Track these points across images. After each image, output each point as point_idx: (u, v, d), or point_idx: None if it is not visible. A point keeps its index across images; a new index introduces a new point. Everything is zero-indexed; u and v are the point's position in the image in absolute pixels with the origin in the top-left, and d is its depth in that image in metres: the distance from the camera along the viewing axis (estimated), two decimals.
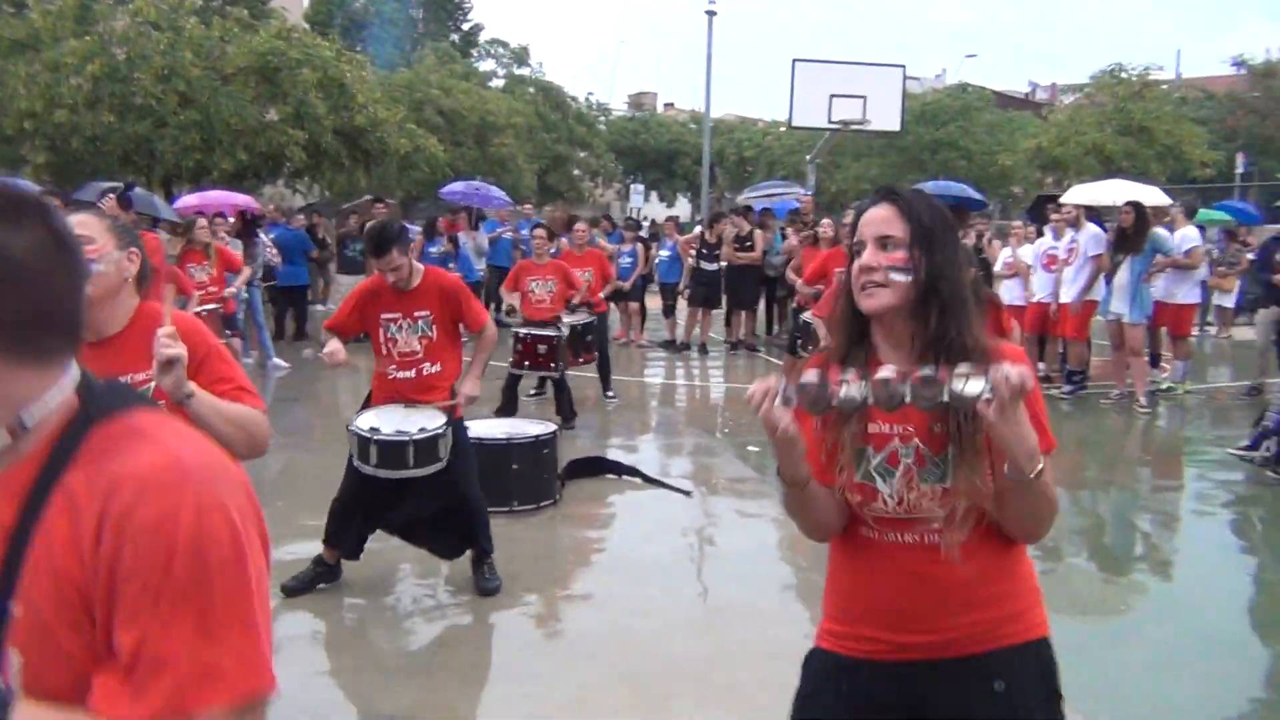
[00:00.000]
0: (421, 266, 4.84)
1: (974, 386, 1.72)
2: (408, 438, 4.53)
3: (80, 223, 2.52)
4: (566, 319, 8.73)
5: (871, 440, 1.94)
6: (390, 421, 4.62)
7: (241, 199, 13.48)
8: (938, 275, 1.92)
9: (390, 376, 4.76)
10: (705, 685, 4.02)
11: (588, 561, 5.69)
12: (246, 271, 10.44)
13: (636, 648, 4.34)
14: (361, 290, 4.86)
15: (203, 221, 9.41)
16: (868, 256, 1.94)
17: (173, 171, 16.70)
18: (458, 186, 17.88)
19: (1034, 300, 11.11)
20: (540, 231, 9.12)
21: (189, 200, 14.07)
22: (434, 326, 4.72)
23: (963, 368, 1.74)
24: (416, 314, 4.70)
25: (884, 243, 1.93)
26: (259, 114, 16.35)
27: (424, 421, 4.61)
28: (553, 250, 9.18)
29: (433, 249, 12.78)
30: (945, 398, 1.73)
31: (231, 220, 11.48)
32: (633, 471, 7.17)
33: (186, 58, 15.48)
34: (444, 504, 4.78)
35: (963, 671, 1.95)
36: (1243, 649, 4.58)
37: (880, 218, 1.96)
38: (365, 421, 4.65)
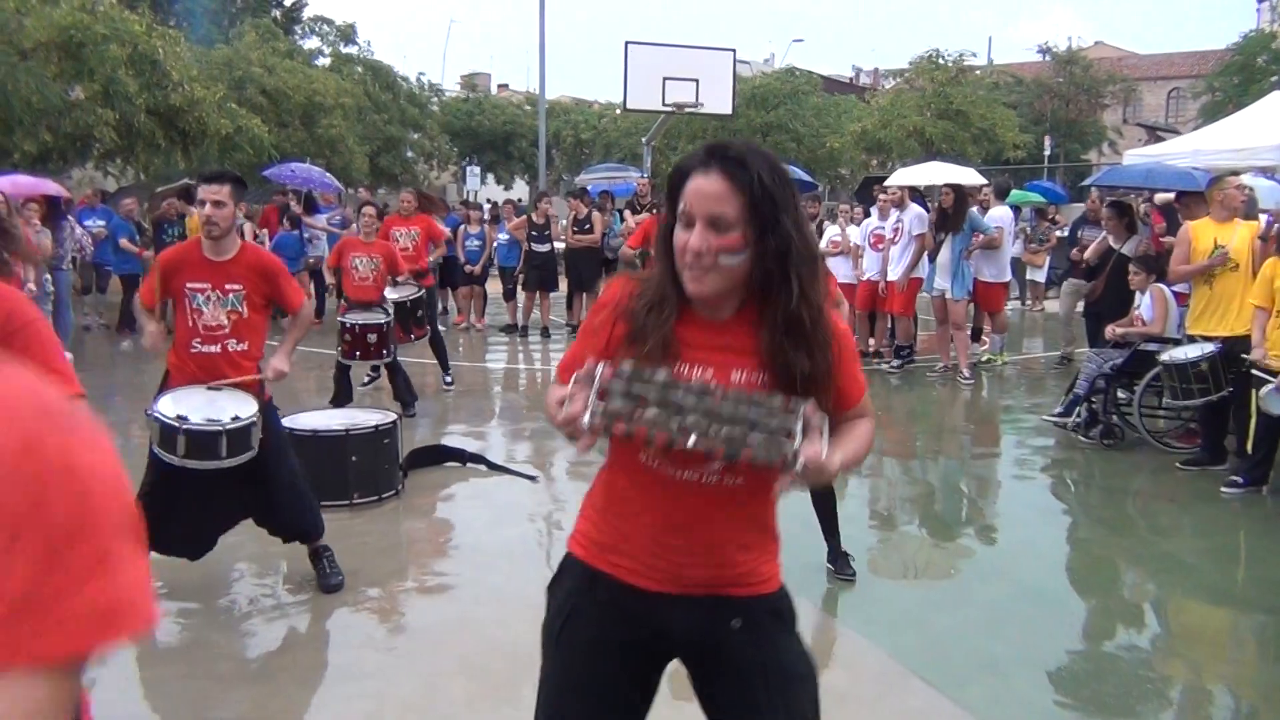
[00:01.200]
0: (239, 240, 4.51)
1: (773, 452, 1.73)
2: (220, 427, 4.18)
3: None
4: (391, 294, 8.60)
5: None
6: (197, 407, 4.24)
7: (49, 185, 12.60)
8: (782, 248, 1.81)
9: (193, 350, 4.38)
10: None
11: (432, 552, 5.58)
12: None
13: (483, 637, 4.29)
14: (167, 257, 4.51)
15: None
16: (695, 239, 1.80)
17: None
18: (284, 170, 17.16)
19: (864, 279, 11.53)
20: (369, 210, 8.93)
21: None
22: (244, 303, 4.40)
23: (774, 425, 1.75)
24: (228, 287, 4.37)
25: (715, 222, 1.79)
26: (62, 92, 15.28)
27: (236, 408, 4.27)
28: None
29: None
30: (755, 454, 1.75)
31: (35, 206, 10.74)
32: (476, 458, 7.09)
33: None
34: (260, 492, 4.50)
35: (702, 606, 2.00)
36: (1063, 604, 4.88)
37: (711, 193, 1.80)
38: (168, 407, 4.22)
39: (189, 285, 4.35)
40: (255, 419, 4.30)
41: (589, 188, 15.83)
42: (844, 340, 1.99)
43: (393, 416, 6.47)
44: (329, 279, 9.81)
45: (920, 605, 4.67)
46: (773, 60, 50.45)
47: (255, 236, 13.91)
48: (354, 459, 5.98)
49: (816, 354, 1.88)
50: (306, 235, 14.06)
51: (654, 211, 11.23)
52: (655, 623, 2.01)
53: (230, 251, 4.40)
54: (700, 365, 1.90)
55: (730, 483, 1.92)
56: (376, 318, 8.15)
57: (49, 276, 10.61)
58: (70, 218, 12.46)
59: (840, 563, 4.93)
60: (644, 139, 18.52)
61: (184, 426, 4.15)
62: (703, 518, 1.96)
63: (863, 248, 11.62)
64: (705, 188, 1.81)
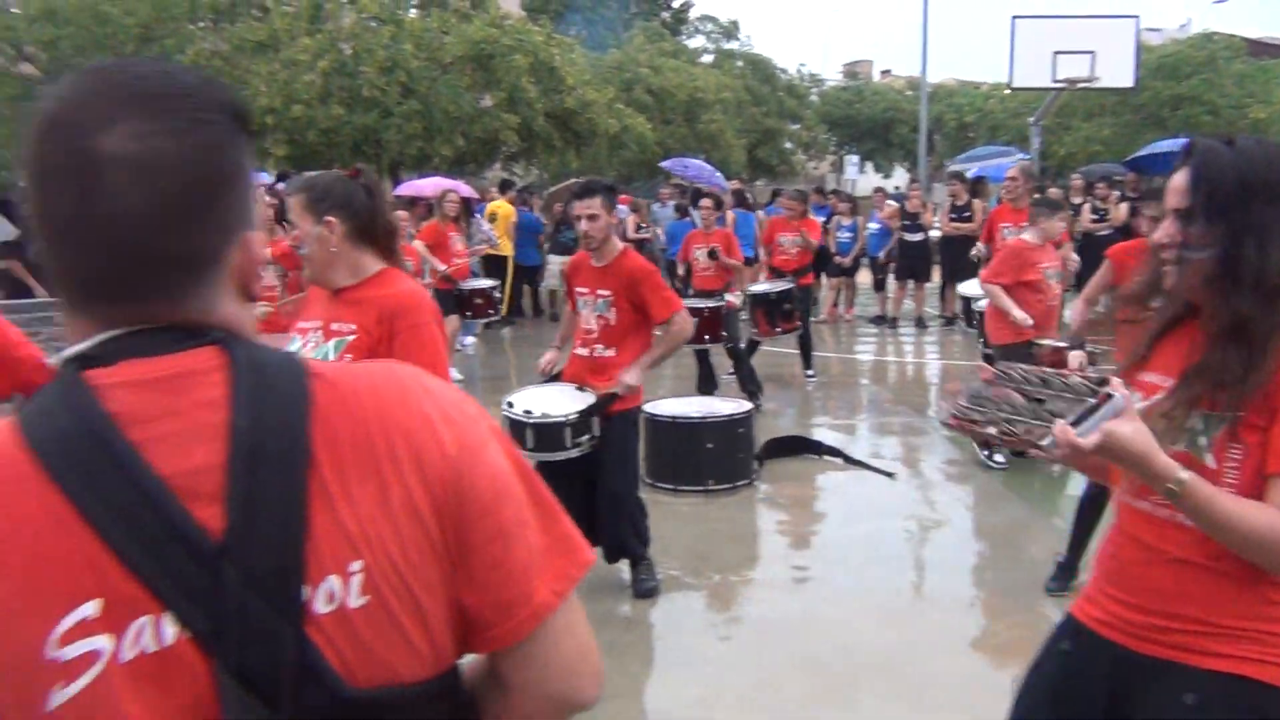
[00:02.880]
0: (620, 245, 4.58)
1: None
2: (529, 419, 4.31)
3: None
4: (762, 286, 8.72)
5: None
6: (537, 402, 4.42)
7: (462, 186, 13.98)
8: (1234, 256, 1.68)
9: (574, 352, 4.66)
10: (894, 677, 3.83)
11: (781, 544, 5.56)
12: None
13: (826, 635, 4.19)
14: (570, 262, 4.83)
15: (454, 196, 9.95)
16: (1161, 230, 1.79)
17: (397, 159, 17.54)
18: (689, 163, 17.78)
19: None
20: (707, 202, 9.08)
21: (413, 186, 14.81)
22: (612, 309, 4.47)
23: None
24: (600, 292, 4.49)
25: (1177, 215, 1.76)
26: (474, 101, 16.93)
27: (567, 406, 4.35)
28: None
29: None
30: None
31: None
32: (834, 452, 6.97)
33: (408, 50, 16.19)
34: (586, 499, 4.42)
35: (1159, 673, 1.75)
36: None
37: (1174, 186, 1.77)
38: (519, 401, 4.47)
39: (577, 289, 4.62)
40: (572, 418, 4.30)
41: (968, 172, 15.10)
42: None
43: (749, 406, 6.52)
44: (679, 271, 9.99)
45: None
46: (1189, 25, 45.45)
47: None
48: (709, 446, 6.09)
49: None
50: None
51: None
52: (1107, 682, 1.84)
53: (608, 258, 4.50)
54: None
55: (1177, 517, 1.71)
56: (710, 301, 8.30)
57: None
58: (478, 214, 13.77)
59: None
60: (1030, 119, 17.37)
61: (527, 421, 4.33)
62: (1151, 558, 1.78)
63: None
64: (1173, 181, 1.78)
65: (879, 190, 15.66)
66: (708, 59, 30.96)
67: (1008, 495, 6.20)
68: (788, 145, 31.89)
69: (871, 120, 38.74)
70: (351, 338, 2.53)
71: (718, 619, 4.45)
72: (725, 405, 6.54)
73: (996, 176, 13.65)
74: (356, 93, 15.94)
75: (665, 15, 34.79)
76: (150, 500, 0.86)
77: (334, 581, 0.90)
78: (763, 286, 9.05)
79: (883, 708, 3.62)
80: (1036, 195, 7.59)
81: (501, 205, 13.87)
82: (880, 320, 13.43)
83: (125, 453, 0.86)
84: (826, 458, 6.94)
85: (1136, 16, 14.48)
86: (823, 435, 7.41)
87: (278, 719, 0.87)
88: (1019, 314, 6.05)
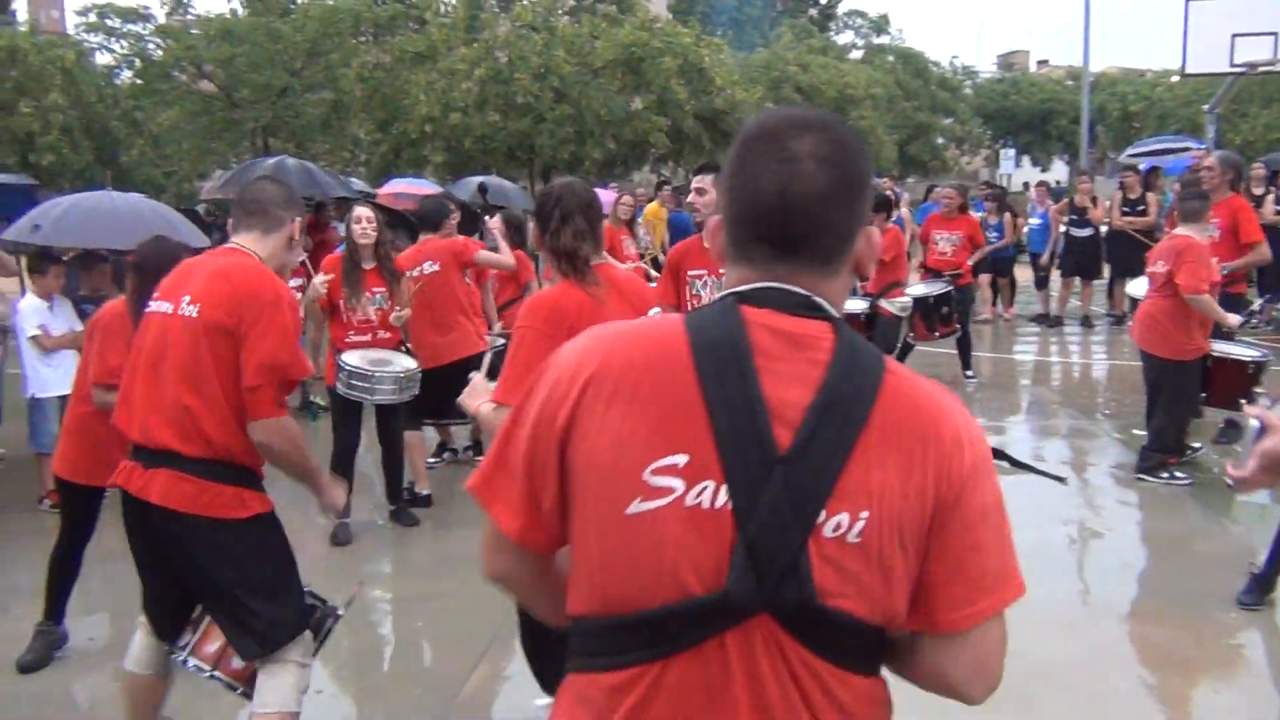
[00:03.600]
0: None
1: None
2: None
3: None
4: (919, 289, 8.66)
5: None
6: None
7: (607, 194, 14.11)
8: None
9: None
10: (1073, 691, 3.70)
11: None
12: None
13: None
14: (676, 249, 4.75)
15: (628, 200, 10.17)
16: None
17: (550, 163, 17.93)
18: None
19: None
20: (950, 190, 10.00)
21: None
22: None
23: None
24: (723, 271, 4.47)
25: None
26: (625, 104, 17.14)
27: None
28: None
29: None
30: None
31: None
32: (1000, 455, 6.76)
33: (560, 55, 16.53)
34: None
35: None
36: None
37: None
38: None
39: (690, 272, 4.60)
40: None
41: (1140, 164, 14.42)
42: None
43: None
44: None
45: None
46: None
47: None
48: None
49: None
50: None
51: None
52: None
53: None
54: None
55: None
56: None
57: None
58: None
59: None
60: (1205, 106, 16.46)
61: None
62: None
63: None
64: None
65: (1041, 184, 15.12)
66: (857, 54, 30.48)
67: (1180, 500, 5.90)
68: (940, 140, 31.10)
69: (1029, 112, 37.51)
70: None
71: None
72: None
73: (1172, 169, 13.01)
74: (511, 99, 16.35)
75: (813, 12, 34.44)
76: (751, 408, 1.19)
77: (844, 517, 1.19)
78: (920, 289, 8.87)
79: (1062, 719, 3.49)
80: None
81: (651, 208, 13.96)
82: (1043, 319, 12.95)
83: (749, 371, 1.21)
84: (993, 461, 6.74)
85: None
86: (986, 438, 7.19)
87: (760, 596, 1.18)
88: (1233, 318, 6.08)
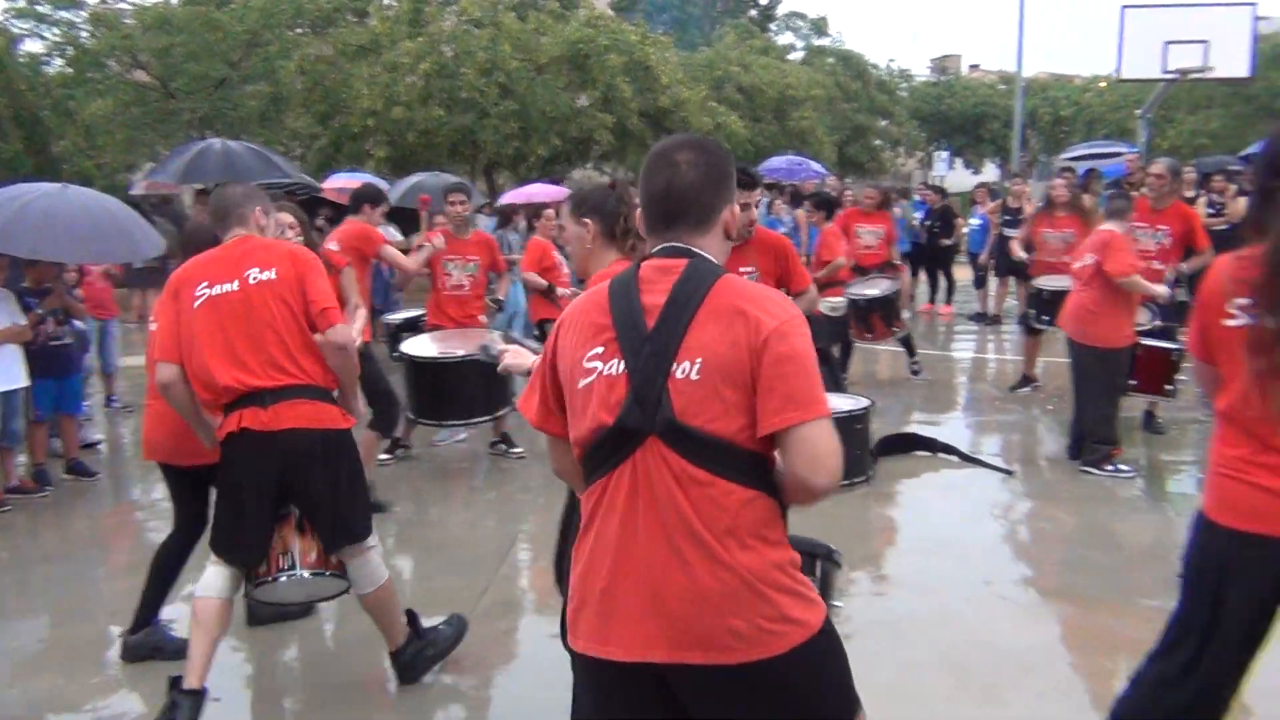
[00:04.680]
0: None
1: None
2: None
3: None
4: (857, 290, 8.87)
5: None
6: None
7: (556, 190, 14.02)
8: None
9: None
10: (1039, 676, 3.79)
11: (906, 542, 5.53)
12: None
13: (966, 633, 4.15)
14: None
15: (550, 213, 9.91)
16: None
17: (494, 159, 17.80)
18: (779, 162, 17.88)
19: None
20: (870, 190, 10.38)
21: (513, 195, 14.94)
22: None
23: None
24: (742, 269, 4.45)
25: None
26: (570, 101, 17.08)
27: None
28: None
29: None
30: None
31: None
32: (948, 449, 6.90)
33: (506, 51, 16.41)
34: None
35: None
36: None
37: None
38: None
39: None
40: None
41: (1078, 168, 14.74)
42: None
43: (866, 402, 6.46)
44: None
45: None
46: None
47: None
48: None
49: None
50: None
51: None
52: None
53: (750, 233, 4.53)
54: None
55: None
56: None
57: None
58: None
59: None
60: (1138, 111, 16.92)
61: None
62: None
63: None
64: None
65: (981, 185, 15.41)
66: (797, 56, 30.74)
67: (1126, 491, 6.08)
68: (877, 142, 31.49)
69: (962, 115, 38.12)
70: None
71: (855, 616, 4.43)
72: (844, 402, 6.49)
73: (1109, 172, 13.34)
74: (455, 94, 16.20)
75: (753, 12, 34.63)
76: (632, 310, 2.00)
77: (686, 364, 1.93)
78: (860, 290, 8.96)
79: (1033, 706, 3.58)
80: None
81: None
82: (980, 318, 13.21)
83: (634, 292, 2.02)
84: (941, 455, 6.87)
85: (1253, 3, 13.98)
86: (928, 433, 7.31)
87: (643, 420, 1.93)
88: (1162, 289, 6.57)
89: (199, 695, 3.41)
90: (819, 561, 2.57)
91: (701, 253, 2.04)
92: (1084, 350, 6.37)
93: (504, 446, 7.15)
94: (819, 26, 32.35)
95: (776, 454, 1.95)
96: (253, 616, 4.33)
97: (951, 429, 7.72)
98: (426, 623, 3.92)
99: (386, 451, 6.86)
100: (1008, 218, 12.71)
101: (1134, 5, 14.01)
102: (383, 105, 15.89)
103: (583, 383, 2.02)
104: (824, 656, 1.99)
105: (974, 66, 51.95)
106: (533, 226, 10.15)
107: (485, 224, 11.70)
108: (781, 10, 35.99)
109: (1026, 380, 8.86)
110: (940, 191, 15.08)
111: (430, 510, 6.21)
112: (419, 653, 3.83)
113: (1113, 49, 14.22)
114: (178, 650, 3.78)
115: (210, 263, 3.59)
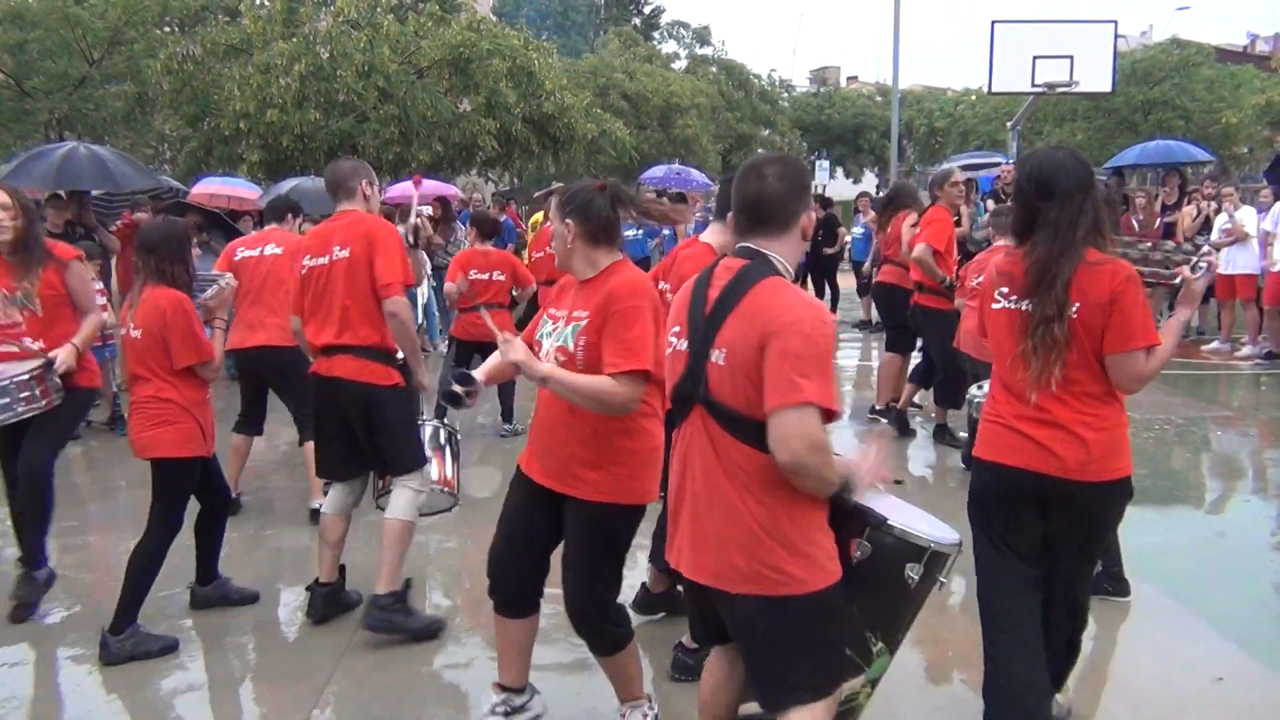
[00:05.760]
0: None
1: None
2: None
3: None
4: None
5: None
6: None
7: (449, 188, 13.70)
8: None
9: None
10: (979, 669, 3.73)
11: None
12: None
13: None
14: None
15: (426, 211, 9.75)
16: None
17: (374, 164, 17.29)
18: (657, 171, 17.91)
19: (1275, 269, 10.17)
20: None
21: (394, 191, 14.61)
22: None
23: None
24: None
25: None
26: (453, 105, 16.73)
27: None
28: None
29: None
30: None
31: (430, 211, 11.77)
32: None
33: (385, 54, 15.95)
34: None
35: None
36: None
37: None
38: None
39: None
40: None
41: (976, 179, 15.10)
42: None
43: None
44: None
45: None
46: (1150, 33, 46.08)
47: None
48: None
49: None
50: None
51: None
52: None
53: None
54: None
55: None
56: None
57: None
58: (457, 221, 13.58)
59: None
60: (1009, 123, 17.47)
61: None
62: None
63: (1275, 234, 10.24)
64: None
65: (863, 194, 15.68)
66: (681, 65, 30.94)
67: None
68: (760, 150, 31.93)
69: (842, 126, 38.99)
70: (584, 322, 3.05)
71: None
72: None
73: (984, 181, 13.69)
74: (333, 97, 15.71)
75: (636, 21, 34.75)
76: (701, 301, 2.51)
77: (718, 352, 2.42)
78: None
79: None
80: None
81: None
82: (864, 325, 13.42)
83: (706, 286, 2.54)
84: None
85: (1115, 21, 14.58)
86: None
87: (692, 391, 2.47)
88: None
89: (333, 588, 4.46)
90: (868, 530, 2.60)
91: (768, 254, 2.48)
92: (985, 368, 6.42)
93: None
94: (702, 36, 32.65)
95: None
96: (195, 601, 4.67)
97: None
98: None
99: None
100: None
101: (1004, 21, 14.45)
102: (255, 107, 15.28)
103: (667, 352, 2.64)
104: (806, 617, 2.40)
105: (852, 78, 53.26)
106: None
107: None
108: (665, 19, 36.22)
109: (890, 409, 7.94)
110: (823, 201, 15.29)
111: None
112: (391, 611, 4.20)
113: (983, 63, 14.65)
114: (243, 597, 4.68)
115: (315, 236, 4.36)
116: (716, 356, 2.40)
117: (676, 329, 2.56)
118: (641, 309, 2.98)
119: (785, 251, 2.49)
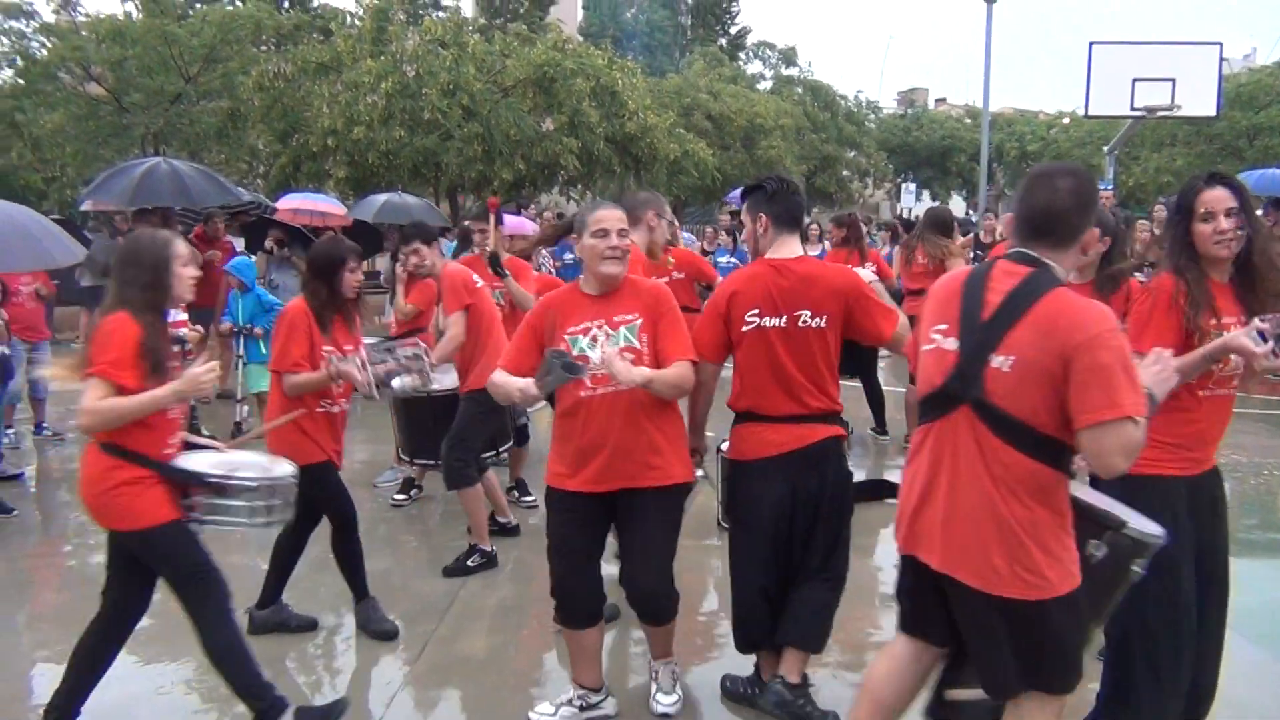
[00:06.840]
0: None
1: None
2: None
3: None
4: None
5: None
6: None
7: (527, 225, 13.50)
8: None
9: None
10: None
11: (885, 600, 5.20)
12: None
13: None
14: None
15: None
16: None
17: (456, 182, 17.43)
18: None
19: None
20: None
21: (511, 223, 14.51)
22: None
23: None
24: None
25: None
26: (536, 124, 16.77)
27: None
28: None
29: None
30: None
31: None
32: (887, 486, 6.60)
33: (470, 72, 16.07)
34: None
35: None
36: None
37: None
38: None
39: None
40: None
41: None
42: None
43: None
44: None
45: None
46: (1254, 55, 44.51)
47: None
48: None
49: None
50: None
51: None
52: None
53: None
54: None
55: None
56: None
57: None
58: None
59: None
60: (1105, 147, 16.91)
61: None
62: None
63: None
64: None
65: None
66: (766, 85, 30.73)
67: None
68: (845, 173, 31.53)
69: (929, 148, 38.38)
70: (638, 322, 3.40)
71: (823, 688, 4.11)
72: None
73: None
74: (418, 115, 15.85)
75: (722, 42, 34.64)
76: (976, 302, 2.53)
77: (1002, 358, 2.44)
78: None
79: None
80: None
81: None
82: None
83: (981, 287, 2.55)
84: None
85: (1220, 43, 14.02)
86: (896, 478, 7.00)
87: (961, 391, 2.50)
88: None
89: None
90: (1106, 533, 2.65)
91: (1050, 263, 2.50)
92: None
93: (517, 494, 6.54)
94: (788, 56, 32.39)
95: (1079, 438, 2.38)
96: (252, 626, 4.42)
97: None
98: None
99: (400, 491, 6.60)
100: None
101: (1102, 42, 14.00)
102: (343, 124, 15.51)
103: (925, 348, 2.63)
104: (1055, 618, 2.46)
105: (940, 100, 52.48)
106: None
107: (447, 246, 11.33)
108: (750, 40, 36.06)
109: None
110: (906, 225, 14.93)
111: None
112: (370, 614, 4.50)
113: (1078, 85, 14.24)
114: (300, 625, 4.50)
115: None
116: (1000, 362, 2.43)
117: (943, 327, 2.57)
118: (677, 308, 3.52)
119: (1066, 263, 2.57)
